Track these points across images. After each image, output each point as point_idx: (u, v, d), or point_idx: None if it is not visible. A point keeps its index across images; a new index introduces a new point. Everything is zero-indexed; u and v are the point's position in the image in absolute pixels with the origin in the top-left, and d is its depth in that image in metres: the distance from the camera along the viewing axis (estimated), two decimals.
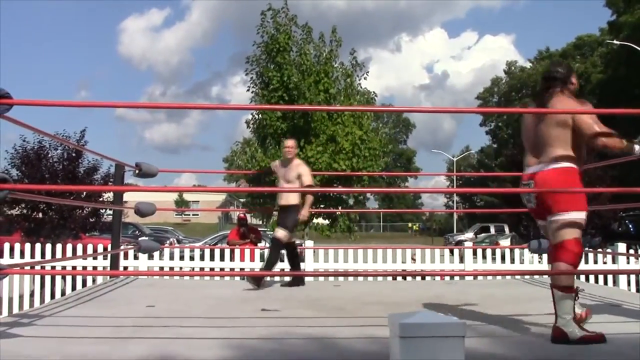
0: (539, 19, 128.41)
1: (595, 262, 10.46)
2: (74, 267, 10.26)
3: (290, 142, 7.94)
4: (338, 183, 19.68)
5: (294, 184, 7.61)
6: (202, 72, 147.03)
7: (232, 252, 10.95)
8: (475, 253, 10.63)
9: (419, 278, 9.64)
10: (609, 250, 11.90)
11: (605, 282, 9.76)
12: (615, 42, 36.52)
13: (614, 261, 10.18)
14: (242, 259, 10.68)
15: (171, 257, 10.52)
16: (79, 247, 10.23)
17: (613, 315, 5.34)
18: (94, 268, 10.21)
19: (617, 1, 45.80)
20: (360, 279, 9.92)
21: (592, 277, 9.55)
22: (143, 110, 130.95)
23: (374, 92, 21.66)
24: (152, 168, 7.66)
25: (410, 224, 79.55)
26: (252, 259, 10.52)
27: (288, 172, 7.70)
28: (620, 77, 40.21)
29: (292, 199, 7.66)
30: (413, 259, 10.92)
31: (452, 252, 11.10)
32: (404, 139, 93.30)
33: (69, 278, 10.29)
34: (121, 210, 8.38)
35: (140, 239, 11.26)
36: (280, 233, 7.65)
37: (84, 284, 9.70)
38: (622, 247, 9.99)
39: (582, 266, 10.11)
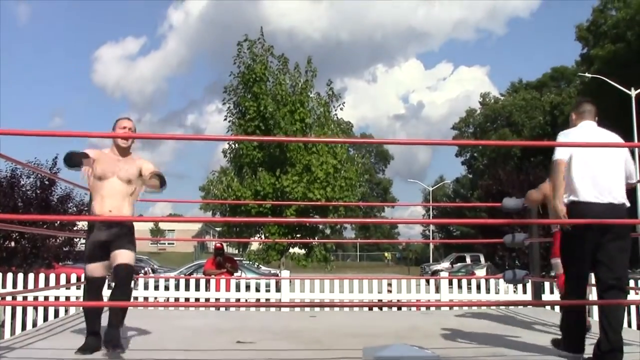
0: (513, 51, 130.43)
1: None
2: (46, 297, 10.11)
3: (129, 124, 5.32)
4: (314, 213, 19.68)
5: (132, 185, 5.16)
6: (177, 101, 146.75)
7: (207, 282, 10.87)
8: (451, 283, 10.65)
9: (395, 308, 9.62)
10: None
11: None
12: (586, 74, 37.14)
13: None
14: (217, 288, 10.60)
15: (145, 287, 10.42)
16: (52, 276, 10.09)
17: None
18: (67, 298, 10.07)
19: (586, 35, 46.75)
20: (337, 309, 9.88)
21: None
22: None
23: (349, 121, 21.85)
24: None
25: (386, 254, 79.49)
26: (227, 289, 10.44)
27: (124, 166, 5.15)
28: None
29: (127, 208, 5.14)
30: (389, 290, 10.90)
31: (428, 281, 11.10)
32: (382, 169, 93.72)
33: (40, 308, 10.13)
34: None
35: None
36: (130, 257, 5.09)
37: (56, 314, 9.55)
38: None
39: (553, 297, 10.20)
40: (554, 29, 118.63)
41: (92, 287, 5.19)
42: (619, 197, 4.64)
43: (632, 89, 30.61)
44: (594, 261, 4.62)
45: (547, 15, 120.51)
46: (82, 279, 5.22)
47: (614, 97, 33.71)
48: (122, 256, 5.02)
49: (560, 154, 4.77)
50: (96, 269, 5.13)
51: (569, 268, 4.82)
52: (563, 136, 4.95)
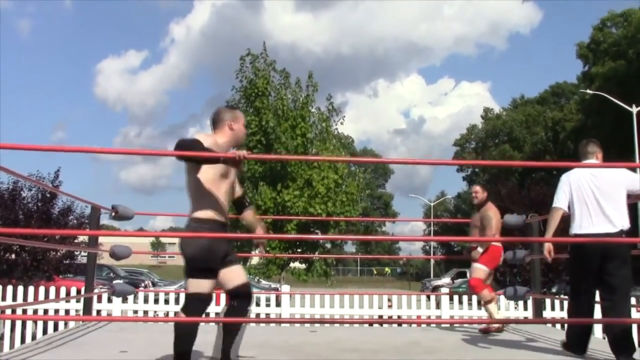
0: (515, 67, 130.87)
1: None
2: (46, 311, 10.10)
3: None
4: (315, 228, 19.66)
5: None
6: (177, 114, 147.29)
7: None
8: (451, 299, 10.62)
9: (395, 324, 9.58)
10: None
11: None
12: (588, 91, 37.28)
13: None
14: (217, 302, 10.57)
15: (145, 301, 10.40)
16: (52, 289, 10.09)
17: None
18: (67, 311, 10.05)
19: (586, 53, 46.99)
20: (337, 324, 9.84)
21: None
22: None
23: (350, 136, 21.84)
24: (128, 211, 7.62)
25: (384, 269, 79.36)
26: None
27: (233, 167, 4.48)
28: (594, 125, 41.01)
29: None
30: (389, 306, 10.88)
31: (428, 297, 11.08)
32: (383, 183, 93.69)
33: (40, 321, 10.12)
34: (96, 253, 8.30)
35: (114, 281, 11.13)
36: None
37: (56, 327, 9.54)
38: None
39: (563, 313, 10.18)
40: (555, 45, 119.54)
41: (203, 307, 4.47)
42: (617, 224, 5.22)
43: (634, 105, 30.68)
44: (599, 280, 5.24)
45: (547, 31, 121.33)
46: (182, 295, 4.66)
47: (615, 113, 33.81)
48: (243, 273, 4.64)
49: (558, 202, 5.56)
50: (210, 285, 4.39)
51: (575, 289, 5.49)
52: (565, 176, 5.59)
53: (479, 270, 7.65)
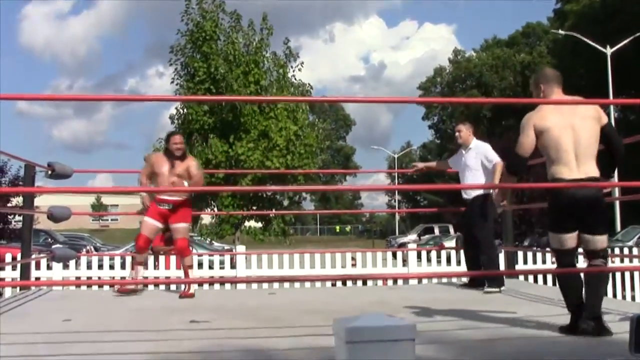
0: (481, 8, 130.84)
1: (544, 262, 10.73)
2: None
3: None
4: (271, 182, 19.63)
5: None
6: (113, 64, 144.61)
7: (155, 259, 10.80)
8: (419, 256, 10.75)
9: (359, 283, 9.68)
10: None
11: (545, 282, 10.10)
12: (560, 31, 37.45)
13: None
14: (167, 266, 10.55)
15: (89, 267, 10.33)
16: None
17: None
18: (1, 280, 9.94)
19: None
20: (297, 285, 9.90)
21: (540, 277, 9.82)
22: (48, 105, 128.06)
23: (309, 84, 21.66)
24: (66, 168, 7.50)
25: (348, 227, 79.81)
26: (177, 267, 10.39)
27: None
28: (566, 67, 41.35)
29: None
30: (353, 264, 10.96)
31: (394, 255, 11.20)
32: (344, 135, 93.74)
33: None
34: (32, 216, 8.18)
35: (54, 246, 11.01)
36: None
37: None
38: None
39: (536, 266, 10.40)
40: None
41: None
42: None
43: (608, 46, 30.91)
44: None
45: None
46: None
47: (588, 55, 34.11)
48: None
49: None
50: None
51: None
52: None
53: (185, 229, 7.81)
